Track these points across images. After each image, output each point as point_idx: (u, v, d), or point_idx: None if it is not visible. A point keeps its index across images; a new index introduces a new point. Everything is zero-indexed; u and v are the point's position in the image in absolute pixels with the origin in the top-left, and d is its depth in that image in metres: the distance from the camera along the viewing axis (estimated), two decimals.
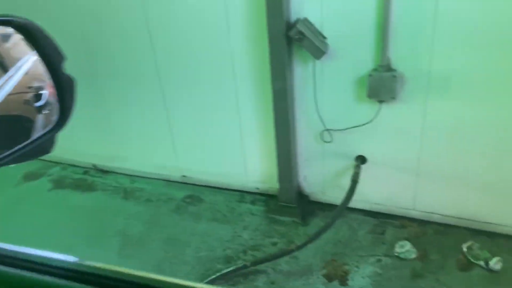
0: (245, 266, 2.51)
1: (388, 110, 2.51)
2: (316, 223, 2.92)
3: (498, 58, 2.17)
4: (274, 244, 2.77)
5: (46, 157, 3.80)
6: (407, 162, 2.66)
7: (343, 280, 2.46)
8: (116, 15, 2.91)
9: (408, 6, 2.21)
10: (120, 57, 3.09)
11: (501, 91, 2.25)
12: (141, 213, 3.20)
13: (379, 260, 2.56)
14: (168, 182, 3.53)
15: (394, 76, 2.35)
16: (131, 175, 3.66)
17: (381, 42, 2.32)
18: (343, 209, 2.52)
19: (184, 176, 3.46)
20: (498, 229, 2.63)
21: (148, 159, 3.51)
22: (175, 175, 3.48)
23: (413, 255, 2.55)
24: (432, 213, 2.77)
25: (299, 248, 2.49)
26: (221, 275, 2.50)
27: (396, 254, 2.58)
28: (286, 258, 2.59)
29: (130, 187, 3.52)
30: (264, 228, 2.92)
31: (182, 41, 2.84)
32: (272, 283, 2.47)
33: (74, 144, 3.74)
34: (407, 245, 2.60)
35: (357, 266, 2.53)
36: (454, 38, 2.21)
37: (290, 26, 2.41)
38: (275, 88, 2.58)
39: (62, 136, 0.81)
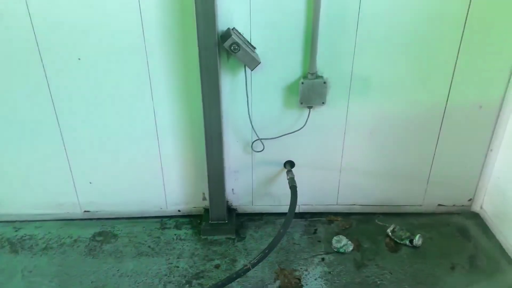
0: None
1: (315, 115, 2.61)
2: (252, 235, 2.87)
3: (409, 60, 2.47)
4: (217, 266, 2.61)
5: None
6: (331, 162, 2.82)
7: (298, 287, 2.47)
8: None
9: (334, 15, 2.33)
10: None
11: (406, 91, 2.56)
12: (44, 265, 2.61)
13: (323, 259, 2.65)
14: (67, 221, 2.98)
15: (325, 83, 2.45)
16: (12, 221, 2.96)
17: (309, 50, 2.39)
18: (292, 216, 2.52)
19: (86, 211, 2.97)
20: (406, 209, 3.01)
21: (35, 198, 2.90)
22: (75, 212, 2.96)
23: (351, 248, 2.71)
24: (353, 204, 3.01)
25: (255, 265, 2.39)
26: None
27: (335, 249, 2.71)
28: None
29: (16, 237, 2.84)
30: (200, 252, 2.72)
31: (76, 47, 2.42)
32: None
33: None
34: (343, 239, 2.75)
35: (306, 270, 2.57)
36: (372, 43, 2.42)
37: (222, 36, 2.28)
38: (206, 103, 2.41)
39: None
